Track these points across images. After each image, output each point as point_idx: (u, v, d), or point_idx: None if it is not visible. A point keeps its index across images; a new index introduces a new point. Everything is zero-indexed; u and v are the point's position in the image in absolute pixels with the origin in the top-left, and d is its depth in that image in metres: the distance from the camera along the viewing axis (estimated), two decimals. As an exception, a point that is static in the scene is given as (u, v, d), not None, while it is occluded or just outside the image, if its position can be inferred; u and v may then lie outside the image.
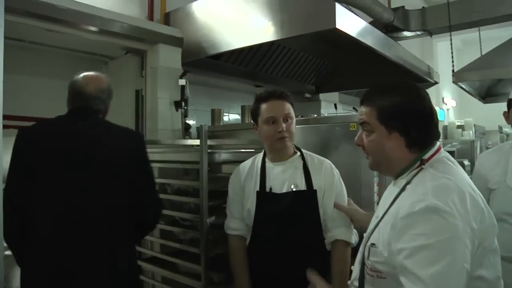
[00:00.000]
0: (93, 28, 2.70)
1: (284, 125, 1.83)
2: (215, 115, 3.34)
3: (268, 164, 1.94)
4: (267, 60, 3.78)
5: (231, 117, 4.10)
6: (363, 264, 1.25)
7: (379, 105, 1.23)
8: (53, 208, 1.65)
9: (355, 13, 2.97)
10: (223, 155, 2.43)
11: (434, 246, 1.02)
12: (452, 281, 1.00)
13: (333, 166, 1.96)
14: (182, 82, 3.07)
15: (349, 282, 1.38)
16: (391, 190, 1.30)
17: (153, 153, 2.67)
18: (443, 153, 1.26)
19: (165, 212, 2.54)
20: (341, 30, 2.46)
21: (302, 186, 1.87)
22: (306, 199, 1.86)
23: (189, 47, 3.14)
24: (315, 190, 1.86)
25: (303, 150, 1.97)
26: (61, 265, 1.60)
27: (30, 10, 2.39)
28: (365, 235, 1.31)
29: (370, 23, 3.30)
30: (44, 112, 3.30)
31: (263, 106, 1.88)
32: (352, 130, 2.27)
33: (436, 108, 1.29)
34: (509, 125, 2.47)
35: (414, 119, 1.20)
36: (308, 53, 3.96)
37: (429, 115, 1.21)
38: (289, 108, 1.88)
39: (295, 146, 1.97)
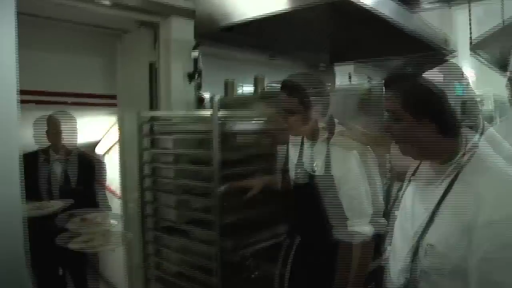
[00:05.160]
0: (105, 2, 2.71)
1: None
2: (228, 87, 3.34)
3: None
4: (280, 31, 3.73)
5: (245, 89, 4.08)
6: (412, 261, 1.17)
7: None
8: None
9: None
10: (234, 126, 2.44)
11: None
12: None
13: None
14: (195, 54, 3.07)
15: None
16: (431, 178, 1.20)
17: (169, 125, 2.72)
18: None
19: (180, 181, 2.61)
20: (353, 1, 2.42)
21: None
22: None
23: (202, 19, 3.12)
24: None
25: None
26: None
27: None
28: (412, 231, 1.19)
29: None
30: (59, 87, 3.38)
31: None
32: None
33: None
34: None
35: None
36: (322, 25, 3.89)
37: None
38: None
39: None
